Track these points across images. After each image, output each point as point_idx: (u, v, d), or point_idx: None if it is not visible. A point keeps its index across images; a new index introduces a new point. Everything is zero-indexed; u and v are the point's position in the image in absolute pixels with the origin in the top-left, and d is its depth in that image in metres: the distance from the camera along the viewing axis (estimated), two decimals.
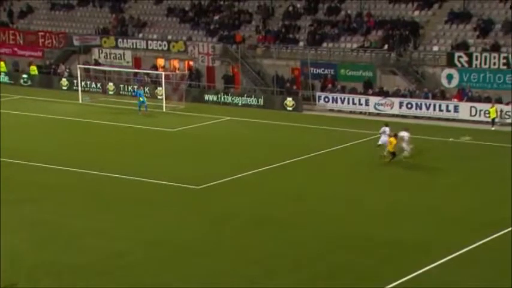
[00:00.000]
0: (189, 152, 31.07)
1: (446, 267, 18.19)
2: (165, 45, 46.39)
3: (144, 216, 22.53)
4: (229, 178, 26.32)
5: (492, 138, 32.16)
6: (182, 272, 18.26)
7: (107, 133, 35.01)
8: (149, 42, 47.16)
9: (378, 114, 37.78)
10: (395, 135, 28.20)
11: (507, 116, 35.01)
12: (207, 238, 20.63)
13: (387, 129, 29.03)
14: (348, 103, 38.88)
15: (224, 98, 41.63)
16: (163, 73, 42.45)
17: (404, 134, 28.53)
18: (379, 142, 29.08)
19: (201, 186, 25.35)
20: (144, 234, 20.86)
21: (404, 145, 28.37)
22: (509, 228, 20.69)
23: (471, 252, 19.07)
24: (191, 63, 44.98)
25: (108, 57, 47.96)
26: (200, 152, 31.18)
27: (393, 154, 28.16)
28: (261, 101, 40.70)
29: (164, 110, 40.18)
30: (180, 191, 25.20)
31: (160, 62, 46.58)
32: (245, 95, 41.30)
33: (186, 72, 44.72)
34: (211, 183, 25.64)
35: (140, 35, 48.80)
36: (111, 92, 45.13)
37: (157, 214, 22.77)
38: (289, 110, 39.51)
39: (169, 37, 47.39)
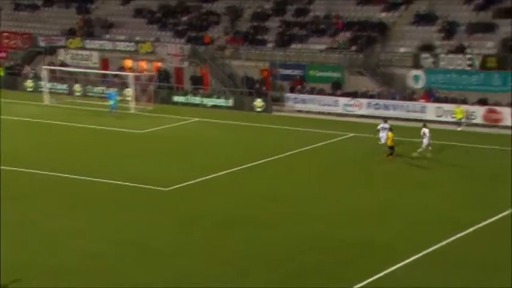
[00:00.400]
0: (158, 154, 30.84)
1: (414, 267, 18.30)
2: (132, 46, 46.02)
3: (114, 218, 22.35)
4: (198, 180, 26.21)
5: (459, 139, 32.61)
6: (155, 273, 18.11)
7: (74, 135, 34.57)
8: (116, 43, 46.72)
9: (346, 115, 38.05)
10: (391, 129, 29.18)
11: (473, 117, 35.57)
12: (178, 239, 20.53)
13: (386, 125, 29.86)
14: (317, 104, 39.09)
15: (193, 99, 41.48)
16: (131, 74, 42.08)
17: (426, 131, 29.06)
18: (381, 140, 29.69)
19: (169, 188, 25.20)
20: (116, 236, 20.71)
21: (425, 141, 28.85)
22: (474, 228, 20.93)
23: (438, 252, 19.18)
24: (159, 64, 44.69)
25: (75, 58, 47.37)
26: (169, 153, 30.99)
27: (392, 148, 28.75)
28: (230, 102, 40.64)
29: (133, 111, 39.84)
30: (149, 192, 25.00)
31: (128, 63, 46.17)
32: (214, 96, 41.22)
33: (155, 73, 44.42)
34: (180, 185, 25.51)
35: (107, 36, 48.32)
36: (77, 94, 44.59)
37: (128, 216, 22.59)
38: (259, 111, 39.53)
39: (137, 38, 47.01)
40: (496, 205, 22.75)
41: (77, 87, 44.70)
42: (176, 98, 42.02)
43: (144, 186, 25.51)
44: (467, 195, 24.36)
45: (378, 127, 30.26)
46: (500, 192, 24.27)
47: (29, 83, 46.10)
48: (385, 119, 31.29)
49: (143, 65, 45.63)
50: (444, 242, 19.77)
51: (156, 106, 40.80)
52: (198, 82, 43.37)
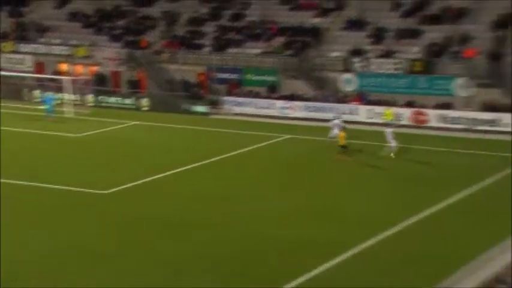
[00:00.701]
0: (96, 157, 30.98)
1: (347, 265, 19.02)
2: (68, 50, 45.70)
3: (54, 222, 22.46)
4: (137, 182, 26.49)
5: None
6: (97, 276, 18.43)
7: (10, 140, 34.07)
8: (52, 47, 46.29)
9: (282, 118, 39.08)
10: (344, 129, 30.21)
11: (401, 119, 37.25)
12: (121, 241, 20.82)
13: (338, 121, 30.80)
14: (254, 107, 39.99)
15: (130, 103, 41.64)
16: (67, 78, 41.81)
17: (389, 131, 30.12)
18: (331, 135, 30.53)
19: (109, 191, 25.41)
20: (55, 240, 20.82)
21: (390, 140, 29.91)
22: (401, 226, 21.90)
23: (369, 250, 19.96)
24: (96, 68, 44.57)
25: (9, 62, 46.60)
26: (107, 156, 31.17)
27: (344, 147, 29.67)
28: (168, 106, 40.96)
29: (69, 115, 39.63)
30: (88, 196, 25.15)
31: (64, 67, 45.80)
32: (151, 100, 41.50)
33: (91, 77, 44.27)
34: (120, 188, 25.73)
35: (42, 40, 47.74)
36: (14, 98, 43.88)
37: (68, 219, 22.75)
38: (197, 114, 40.03)
39: (73, 42, 46.68)
40: (422, 204, 23.74)
41: (12, 91, 44.02)
42: (113, 102, 42.03)
43: (84, 190, 25.63)
44: (395, 195, 25.23)
45: (330, 124, 31.22)
46: (425, 191, 25.42)
47: None
48: (336, 116, 32.47)
49: (79, 69, 45.40)
50: (374, 240, 20.53)
51: (93, 110, 40.72)
52: (135, 86, 43.55)
